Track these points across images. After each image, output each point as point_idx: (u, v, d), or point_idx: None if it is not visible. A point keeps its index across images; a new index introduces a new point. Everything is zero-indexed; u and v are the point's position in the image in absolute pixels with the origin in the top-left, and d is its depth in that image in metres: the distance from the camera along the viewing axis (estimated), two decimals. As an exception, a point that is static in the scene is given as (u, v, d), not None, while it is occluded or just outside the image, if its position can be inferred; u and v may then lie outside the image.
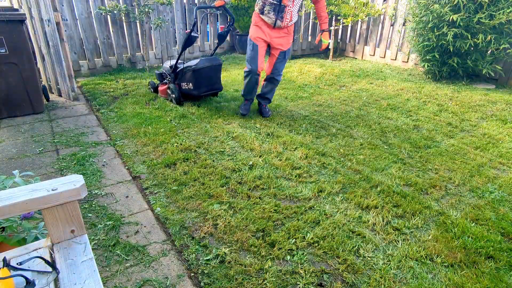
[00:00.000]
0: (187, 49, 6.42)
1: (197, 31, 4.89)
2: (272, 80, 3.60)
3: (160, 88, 4.24)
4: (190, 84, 3.81)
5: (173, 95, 3.99)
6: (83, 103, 4.14)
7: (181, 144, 3.03)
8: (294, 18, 3.25)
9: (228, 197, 2.31)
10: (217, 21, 6.70)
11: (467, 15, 4.37)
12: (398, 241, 1.94)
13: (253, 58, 3.36)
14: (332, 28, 6.47)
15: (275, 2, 3.10)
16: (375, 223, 2.08)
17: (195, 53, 6.58)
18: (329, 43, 3.44)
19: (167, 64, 4.16)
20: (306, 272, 1.72)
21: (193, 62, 3.78)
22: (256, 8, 3.29)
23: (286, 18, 3.19)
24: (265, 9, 3.18)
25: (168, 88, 4.05)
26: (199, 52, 6.63)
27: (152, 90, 4.46)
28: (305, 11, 6.50)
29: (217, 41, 3.88)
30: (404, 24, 5.77)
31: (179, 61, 4.04)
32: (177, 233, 1.99)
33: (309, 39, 6.99)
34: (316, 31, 7.07)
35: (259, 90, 3.77)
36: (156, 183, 2.48)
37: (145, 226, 2.05)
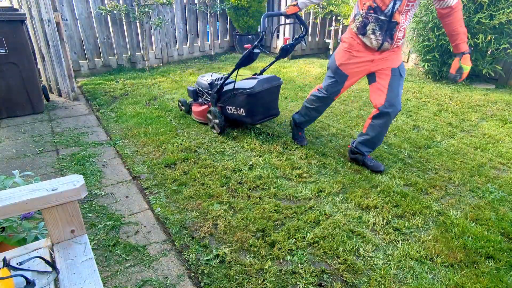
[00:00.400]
0: (187, 48, 6.43)
1: (262, 46, 3.74)
2: (386, 114, 2.44)
3: (196, 108, 3.53)
4: (242, 110, 3.04)
5: (216, 121, 3.23)
6: (83, 103, 4.14)
7: (181, 144, 3.03)
8: (405, 34, 2.33)
9: (228, 197, 2.31)
10: (217, 21, 6.71)
11: (467, 15, 4.37)
12: (398, 241, 1.94)
13: (334, 88, 2.60)
14: (332, 28, 6.47)
15: (383, 18, 2.20)
16: (375, 223, 2.08)
17: (195, 53, 6.58)
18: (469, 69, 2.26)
19: (204, 80, 3.44)
20: (306, 272, 1.72)
21: (248, 84, 2.97)
22: (353, 26, 2.38)
23: (398, 38, 2.28)
24: (368, 28, 2.28)
25: (209, 112, 3.29)
26: (199, 52, 6.63)
27: (183, 109, 3.79)
28: (305, 11, 6.50)
29: (278, 54, 3.09)
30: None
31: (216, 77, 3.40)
32: (177, 233, 1.99)
33: (309, 39, 6.99)
34: (316, 31, 7.04)
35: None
36: (156, 183, 2.48)
37: (145, 226, 2.05)
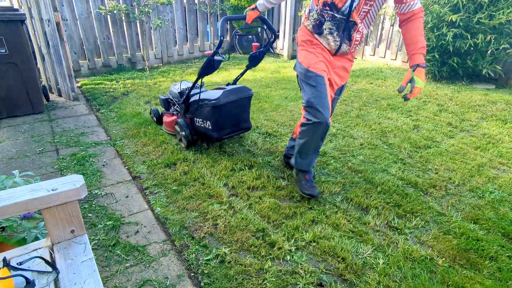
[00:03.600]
0: (188, 48, 6.43)
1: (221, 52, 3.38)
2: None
3: (166, 119, 3.24)
4: (208, 123, 2.75)
5: (182, 134, 2.94)
6: (83, 103, 4.14)
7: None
8: (363, 36, 2.11)
9: (228, 197, 2.31)
10: (217, 21, 6.71)
11: (466, 15, 4.37)
12: (398, 241, 1.94)
13: (321, 98, 2.03)
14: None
15: (340, 16, 1.96)
16: (375, 223, 2.08)
17: (195, 53, 6.58)
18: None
19: (175, 88, 3.22)
20: (306, 272, 1.72)
21: (213, 95, 2.71)
22: (308, 24, 2.13)
23: (356, 40, 2.06)
24: (324, 27, 2.03)
25: (176, 123, 3.01)
26: (199, 52, 6.63)
27: (154, 120, 3.51)
28: (304, 11, 6.50)
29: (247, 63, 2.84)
30: (404, 24, 5.76)
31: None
32: (177, 233, 1.99)
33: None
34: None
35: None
36: (156, 183, 2.48)
37: (145, 226, 2.05)
